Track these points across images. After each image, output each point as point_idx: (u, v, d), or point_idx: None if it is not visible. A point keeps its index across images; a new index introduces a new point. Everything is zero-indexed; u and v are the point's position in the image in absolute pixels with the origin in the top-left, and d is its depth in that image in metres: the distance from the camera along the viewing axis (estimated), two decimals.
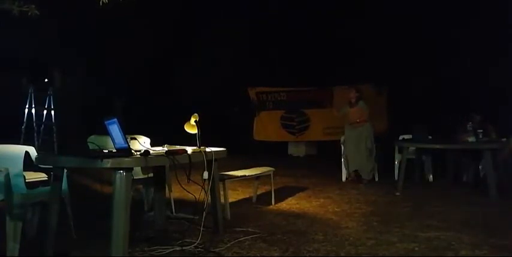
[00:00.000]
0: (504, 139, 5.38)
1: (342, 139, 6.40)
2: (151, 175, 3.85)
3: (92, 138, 3.02)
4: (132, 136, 3.00)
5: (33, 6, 3.94)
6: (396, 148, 6.29)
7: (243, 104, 10.59)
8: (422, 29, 8.50)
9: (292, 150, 10.40)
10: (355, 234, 3.41)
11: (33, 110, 7.44)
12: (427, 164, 6.21)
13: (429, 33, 8.59)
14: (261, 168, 4.81)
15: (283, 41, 10.38)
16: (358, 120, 6.12)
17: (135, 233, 3.29)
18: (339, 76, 9.71)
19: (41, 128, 7.49)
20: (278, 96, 10.15)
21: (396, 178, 5.78)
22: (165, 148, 3.12)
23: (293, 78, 10.37)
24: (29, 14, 3.94)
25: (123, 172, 2.52)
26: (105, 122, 2.80)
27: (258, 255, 2.92)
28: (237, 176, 4.27)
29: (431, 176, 6.20)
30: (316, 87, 9.94)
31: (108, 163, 2.46)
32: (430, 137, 5.94)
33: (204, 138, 3.31)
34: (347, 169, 6.24)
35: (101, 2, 3.97)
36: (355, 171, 6.20)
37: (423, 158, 6.23)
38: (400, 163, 5.70)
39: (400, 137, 6.26)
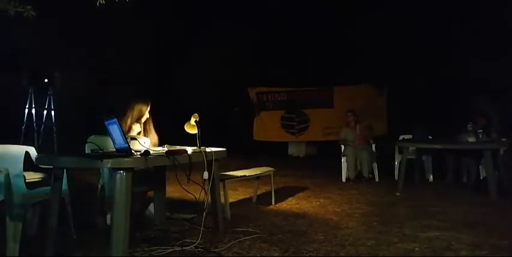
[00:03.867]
0: (504, 139, 5.38)
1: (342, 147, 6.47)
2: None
3: (92, 138, 3.02)
4: (132, 136, 3.01)
5: (29, 7, 3.92)
6: (396, 148, 6.30)
7: (243, 104, 10.59)
8: (422, 28, 8.49)
9: (292, 150, 10.40)
10: (355, 234, 3.41)
11: (33, 110, 7.43)
12: (427, 164, 6.21)
13: (429, 33, 8.59)
14: (261, 168, 4.81)
15: (284, 41, 10.38)
16: (358, 142, 6.31)
17: (135, 233, 3.29)
18: (339, 76, 9.71)
19: (41, 129, 7.48)
20: (278, 96, 10.15)
21: (396, 178, 5.78)
22: (165, 148, 3.13)
23: (293, 78, 10.37)
24: (25, 14, 3.93)
25: (123, 172, 2.52)
26: (106, 122, 2.80)
27: (258, 255, 2.92)
28: (237, 176, 4.27)
29: (431, 176, 6.20)
30: (316, 87, 9.95)
31: (108, 163, 2.47)
32: (430, 137, 5.94)
33: (204, 138, 3.31)
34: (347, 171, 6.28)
35: (98, 3, 3.97)
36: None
37: (423, 158, 6.23)
38: (400, 163, 5.70)
39: (400, 137, 6.27)
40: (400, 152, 5.91)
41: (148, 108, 3.86)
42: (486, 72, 7.36)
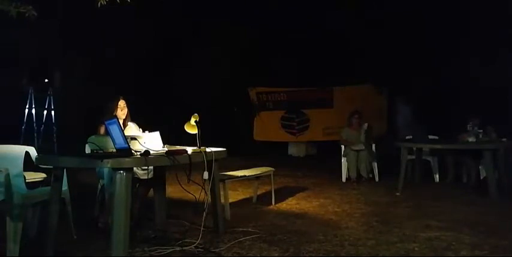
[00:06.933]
0: (504, 139, 5.38)
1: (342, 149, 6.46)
2: None
3: (92, 138, 3.02)
4: (132, 136, 3.00)
5: (31, 7, 3.93)
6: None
7: (243, 104, 10.59)
8: (422, 28, 8.50)
9: (292, 150, 10.40)
10: (355, 234, 3.41)
11: (33, 111, 7.43)
12: (433, 164, 6.20)
13: (429, 33, 8.60)
14: (261, 168, 4.80)
15: (283, 41, 10.38)
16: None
17: (135, 233, 3.29)
18: (339, 76, 9.71)
19: (41, 129, 7.48)
20: (278, 97, 10.16)
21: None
22: (165, 148, 3.13)
23: (293, 78, 10.37)
24: (27, 15, 3.93)
25: (123, 172, 2.52)
26: (106, 123, 2.80)
27: (258, 255, 2.92)
28: (237, 177, 4.27)
29: (437, 176, 6.17)
30: (316, 87, 9.95)
31: (108, 163, 2.47)
32: (436, 137, 5.92)
33: (204, 138, 3.31)
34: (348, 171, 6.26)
35: (99, 4, 3.97)
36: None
37: (429, 159, 6.22)
38: (400, 163, 5.68)
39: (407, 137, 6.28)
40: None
41: (121, 103, 3.84)
42: (486, 72, 7.37)
